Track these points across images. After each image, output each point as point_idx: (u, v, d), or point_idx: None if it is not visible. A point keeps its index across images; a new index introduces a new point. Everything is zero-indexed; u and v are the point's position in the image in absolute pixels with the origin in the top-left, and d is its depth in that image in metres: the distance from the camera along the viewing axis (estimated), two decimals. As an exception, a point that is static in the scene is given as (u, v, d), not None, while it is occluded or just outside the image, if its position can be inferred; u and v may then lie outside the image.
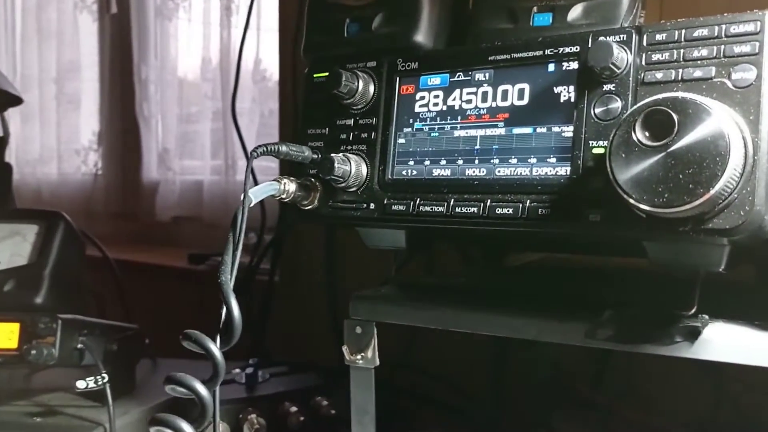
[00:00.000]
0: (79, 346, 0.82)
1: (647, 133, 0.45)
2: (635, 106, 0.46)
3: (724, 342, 0.51)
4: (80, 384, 0.78)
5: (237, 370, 0.97)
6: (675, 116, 0.44)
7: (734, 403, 0.86)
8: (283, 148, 0.60)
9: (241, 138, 1.39)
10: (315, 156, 0.62)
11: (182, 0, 1.89)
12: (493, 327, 0.60)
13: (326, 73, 0.61)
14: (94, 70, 2.11)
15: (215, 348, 0.48)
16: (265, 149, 0.59)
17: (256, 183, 0.60)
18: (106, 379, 0.80)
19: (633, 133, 0.45)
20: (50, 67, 2.19)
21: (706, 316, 0.52)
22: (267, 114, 1.73)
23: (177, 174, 1.90)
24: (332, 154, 0.60)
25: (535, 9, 0.58)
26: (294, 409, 0.87)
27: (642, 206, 0.45)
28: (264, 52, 1.71)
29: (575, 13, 0.56)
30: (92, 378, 0.79)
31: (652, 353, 0.53)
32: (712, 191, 0.43)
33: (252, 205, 0.56)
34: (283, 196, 0.60)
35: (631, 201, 0.46)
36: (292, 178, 0.62)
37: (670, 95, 0.45)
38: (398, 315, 0.65)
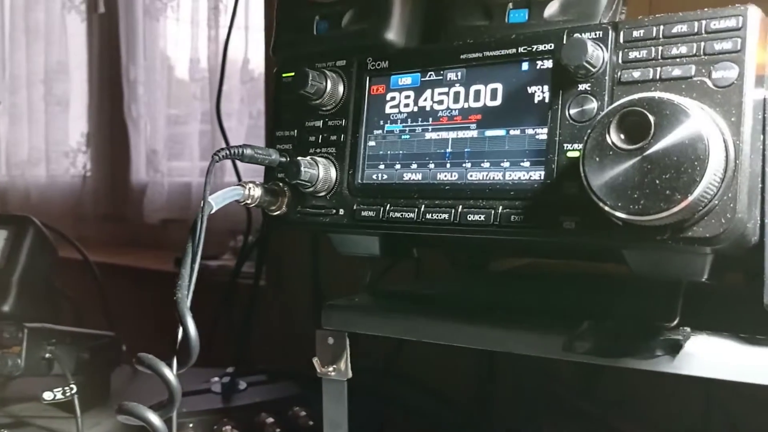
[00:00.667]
0: (47, 355, 0.79)
1: (622, 136, 0.42)
2: (610, 107, 0.44)
3: (707, 357, 0.48)
4: (47, 395, 0.76)
5: (215, 379, 0.94)
6: (651, 118, 0.41)
7: (725, 411, 0.83)
8: (248, 152, 0.57)
9: (225, 139, 1.36)
10: (283, 159, 0.60)
11: (170, 0, 1.86)
12: (467, 339, 0.57)
13: (293, 73, 0.58)
14: (82, 70, 2.09)
15: (170, 373, 0.46)
16: (228, 153, 0.56)
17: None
18: (75, 390, 0.77)
19: (607, 136, 0.43)
20: (38, 67, 2.17)
21: (688, 329, 0.50)
22: (256, 114, 1.70)
23: (165, 176, 1.88)
24: (299, 158, 0.57)
25: (510, 5, 0.55)
26: (270, 420, 0.84)
27: (617, 213, 0.42)
28: (252, 52, 1.68)
29: (552, 9, 0.54)
30: (60, 389, 0.77)
31: (631, 367, 0.50)
32: (691, 198, 0.40)
33: (213, 212, 0.53)
34: (248, 202, 0.58)
35: (606, 208, 0.43)
36: (258, 183, 0.59)
37: (647, 95, 0.42)
38: (371, 326, 0.63)
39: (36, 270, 0.89)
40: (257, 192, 0.58)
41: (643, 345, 0.50)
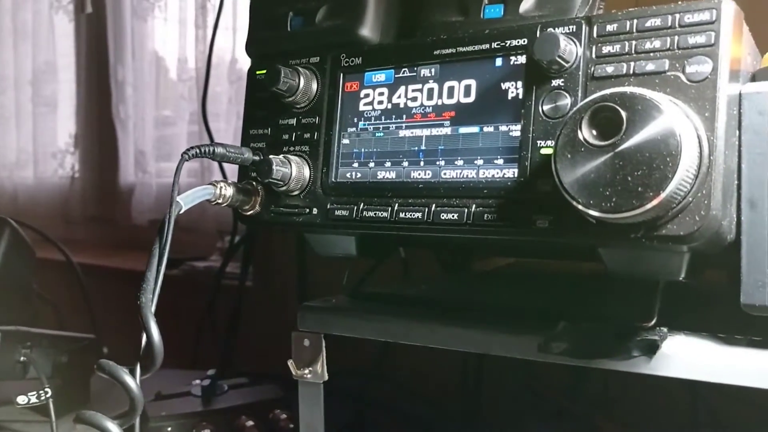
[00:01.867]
0: (22, 359, 0.78)
1: (594, 132, 0.41)
2: (581, 103, 0.43)
3: (684, 358, 0.47)
4: (21, 399, 0.74)
5: (196, 382, 0.93)
6: (623, 113, 0.40)
7: (710, 410, 0.82)
8: (219, 150, 0.56)
9: (211, 139, 1.35)
10: (256, 158, 0.59)
11: (157, 0, 1.85)
12: (445, 341, 0.56)
13: (265, 70, 0.57)
14: (70, 71, 2.07)
15: (131, 380, 0.44)
16: (198, 151, 0.55)
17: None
18: (49, 393, 0.76)
19: (579, 132, 0.42)
20: (26, 68, 2.15)
21: (665, 329, 0.49)
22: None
23: (154, 177, 1.86)
24: (271, 156, 0.56)
25: (486, 1, 0.54)
26: (250, 423, 0.83)
27: (589, 211, 0.41)
28: (240, 52, 1.67)
29: (527, 4, 0.53)
30: (35, 393, 0.75)
31: (608, 368, 0.49)
32: (663, 194, 0.39)
33: (182, 212, 0.52)
34: (220, 201, 0.57)
35: (578, 206, 0.42)
36: (230, 182, 0.58)
37: (618, 90, 0.41)
38: (347, 327, 0.62)
39: (12, 272, 0.88)
40: (229, 191, 0.57)
41: (620, 346, 0.49)
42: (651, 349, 0.48)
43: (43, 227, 1.19)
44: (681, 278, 0.47)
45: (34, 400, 0.75)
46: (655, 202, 0.39)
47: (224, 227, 1.51)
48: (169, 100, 1.88)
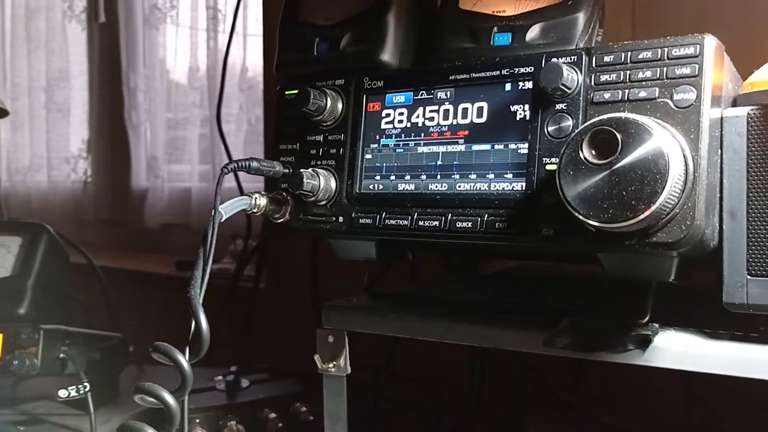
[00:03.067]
0: (62, 355, 0.83)
1: (593, 152, 0.47)
2: (582, 126, 0.48)
3: (673, 350, 0.53)
4: (62, 393, 0.80)
5: (219, 378, 0.99)
6: (618, 136, 0.46)
7: (706, 406, 0.88)
8: (254, 164, 0.62)
9: (225, 145, 1.41)
10: (286, 171, 0.64)
11: (170, 9, 1.91)
12: (457, 336, 0.62)
13: (296, 91, 0.63)
14: (83, 78, 2.13)
15: (183, 359, 0.50)
16: (236, 165, 0.61)
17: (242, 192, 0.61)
18: (88, 387, 0.81)
19: (580, 152, 0.48)
20: (39, 75, 2.21)
21: (657, 325, 0.55)
22: (254, 121, 1.74)
23: (165, 181, 1.92)
24: (302, 170, 0.62)
25: (495, 29, 0.60)
26: (273, 415, 0.89)
27: (589, 221, 0.47)
28: (250, 59, 1.73)
29: (533, 33, 0.58)
30: (74, 387, 0.81)
31: (606, 360, 0.55)
32: (654, 207, 0.45)
33: (223, 220, 0.58)
34: (255, 210, 0.62)
35: (580, 217, 0.48)
36: (263, 193, 0.64)
37: (614, 116, 0.47)
38: (368, 324, 0.67)
39: (49, 275, 0.93)
40: (263, 201, 0.63)
41: (617, 340, 0.55)
42: (644, 342, 0.54)
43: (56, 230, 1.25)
44: (671, 280, 0.53)
45: (74, 393, 0.81)
46: (646, 214, 0.45)
47: (235, 231, 1.57)
48: (180, 106, 1.94)
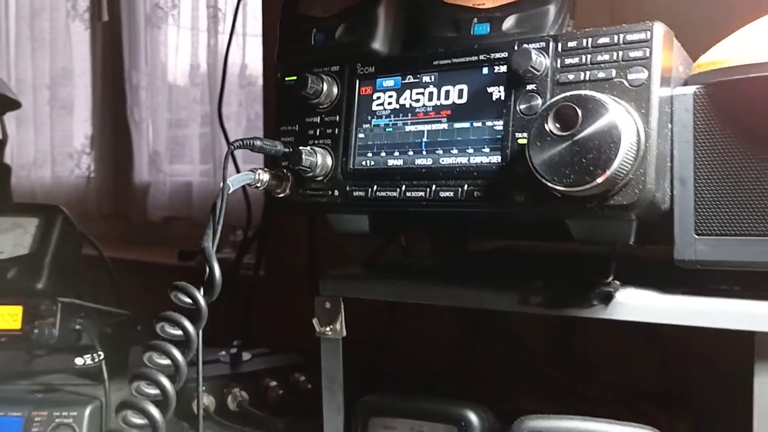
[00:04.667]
0: (77, 327, 0.90)
1: (557, 125, 0.54)
2: (548, 102, 0.55)
3: (633, 304, 0.60)
4: (78, 361, 0.87)
5: (223, 352, 1.05)
6: (579, 111, 0.53)
7: (680, 377, 0.94)
8: (258, 143, 0.69)
9: (227, 140, 1.47)
10: (287, 150, 0.71)
11: (171, 8, 1.97)
12: (441, 298, 0.69)
13: (295, 77, 0.70)
14: (86, 76, 2.19)
15: (200, 295, 0.57)
16: (241, 143, 0.67)
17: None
18: (102, 356, 0.88)
19: (546, 125, 0.54)
20: (44, 73, 2.27)
21: (618, 282, 0.61)
22: (253, 117, 1.80)
23: (167, 176, 1.98)
24: (301, 148, 0.68)
25: (475, 20, 0.67)
26: (274, 383, 0.95)
27: (554, 186, 0.54)
28: (249, 57, 1.79)
29: (509, 23, 0.65)
30: (89, 355, 0.88)
31: (574, 315, 0.62)
32: (609, 172, 0.52)
33: (230, 192, 0.64)
34: (258, 185, 0.69)
35: (546, 182, 0.54)
36: (266, 169, 0.70)
37: (575, 93, 0.54)
38: (362, 290, 0.74)
39: (64, 254, 1.00)
40: (265, 177, 0.69)
41: (583, 297, 0.61)
42: (607, 298, 0.61)
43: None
44: (631, 242, 0.60)
45: (89, 361, 0.87)
46: (603, 178, 0.52)
47: (236, 222, 1.63)
48: (182, 103, 2.00)
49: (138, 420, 0.56)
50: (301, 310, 0.86)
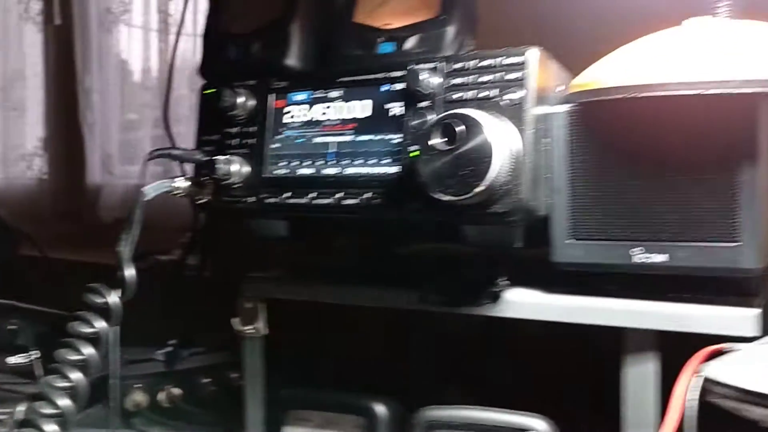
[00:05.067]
0: (12, 327, 0.93)
1: (442, 140, 0.59)
2: (433, 120, 0.60)
3: (519, 302, 0.65)
4: (10, 360, 0.89)
5: (160, 351, 1.08)
6: (459, 127, 0.58)
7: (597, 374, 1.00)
8: (175, 152, 0.73)
9: (173, 143, 1.49)
10: (206, 158, 0.75)
11: (123, 13, 1.99)
12: (352, 298, 0.74)
13: (213, 90, 0.74)
14: (38, 78, 2.19)
15: (112, 296, 0.61)
16: (159, 152, 0.71)
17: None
18: (38, 354, 0.91)
19: (432, 140, 0.59)
20: (-5, 75, 2.27)
21: (507, 282, 0.67)
22: (204, 121, 1.82)
23: (119, 178, 1.99)
24: (218, 156, 0.72)
25: (380, 39, 0.72)
26: (207, 380, 0.99)
27: (439, 197, 0.59)
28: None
29: (411, 43, 0.70)
30: (23, 355, 0.90)
31: (466, 313, 0.67)
32: (484, 184, 0.57)
33: (147, 199, 0.68)
34: (177, 192, 0.73)
35: (433, 193, 0.59)
36: (186, 177, 0.74)
37: (457, 111, 0.59)
38: (281, 292, 0.79)
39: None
40: (184, 184, 0.73)
41: (475, 296, 0.67)
42: (496, 297, 0.66)
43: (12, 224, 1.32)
44: (520, 246, 0.65)
45: (22, 360, 0.90)
46: (479, 189, 0.57)
47: (187, 225, 1.66)
48: (134, 106, 2.02)
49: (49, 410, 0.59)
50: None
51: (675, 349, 0.57)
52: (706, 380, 0.43)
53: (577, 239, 0.61)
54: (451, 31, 0.70)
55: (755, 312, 0.56)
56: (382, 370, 0.82)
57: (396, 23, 0.72)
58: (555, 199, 0.62)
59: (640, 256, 0.59)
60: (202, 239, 1.45)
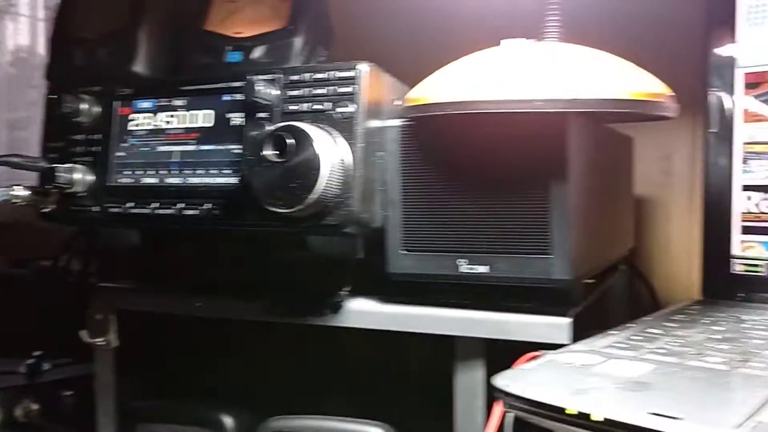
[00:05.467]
0: None
1: (273, 152, 0.59)
2: (266, 132, 0.60)
3: (357, 311, 0.66)
4: None
5: (23, 363, 1.04)
6: (289, 140, 0.58)
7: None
8: (16, 159, 0.70)
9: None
10: (50, 166, 0.73)
11: (8, 7, 1.90)
12: (197, 309, 0.73)
13: (56, 96, 0.72)
14: None
15: None
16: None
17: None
18: None
19: (264, 152, 0.59)
20: None
21: (347, 293, 0.68)
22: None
23: (4, 180, 1.91)
24: (59, 165, 0.70)
25: (229, 48, 0.71)
26: (69, 393, 0.96)
27: (271, 208, 0.59)
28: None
29: (258, 52, 0.70)
30: None
31: (309, 324, 0.68)
32: (311, 197, 0.57)
33: (-22, 208, 0.66)
34: (18, 201, 0.70)
35: (265, 205, 0.59)
36: (27, 186, 0.72)
37: (287, 124, 0.59)
38: (130, 302, 0.77)
39: None
40: (24, 193, 0.71)
41: (318, 307, 0.67)
42: (337, 308, 0.67)
43: None
44: (361, 256, 0.66)
45: None
46: (307, 202, 0.58)
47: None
48: (20, 104, 1.94)
49: None
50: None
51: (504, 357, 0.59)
52: (496, 390, 0.44)
53: (409, 251, 0.63)
54: (298, 42, 0.70)
55: (567, 321, 0.58)
56: (235, 381, 0.82)
57: (246, 32, 0.72)
58: (389, 212, 0.63)
59: (465, 267, 0.60)
60: (85, 242, 1.41)
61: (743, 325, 0.59)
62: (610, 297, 0.85)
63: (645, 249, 0.97)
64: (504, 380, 0.45)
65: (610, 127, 0.73)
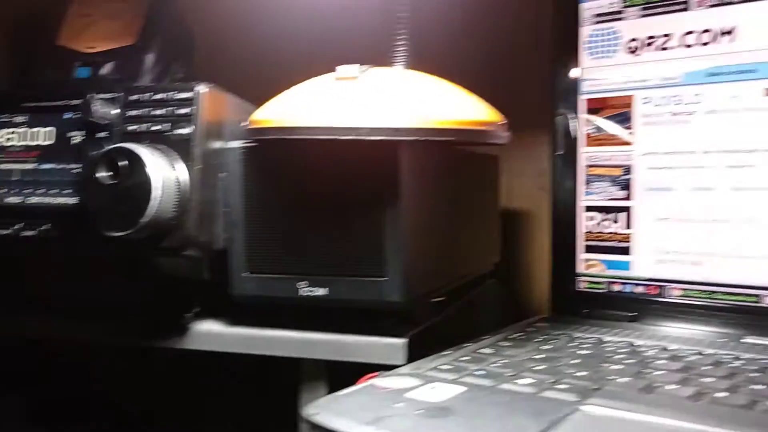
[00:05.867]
0: None
1: (106, 174, 0.58)
2: (99, 152, 0.59)
3: (203, 334, 0.66)
4: None
5: None
6: (121, 162, 0.57)
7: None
8: None
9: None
10: None
11: None
12: (45, 331, 0.71)
13: None
14: None
15: None
16: None
17: None
18: None
19: (97, 173, 0.58)
20: None
21: (192, 315, 0.67)
22: None
23: None
24: None
25: (78, 63, 0.69)
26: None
27: (104, 232, 0.58)
28: None
29: (107, 68, 0.69)
30: None
31: (155, 346, 0.66)
32: (144, 220, 0.56)
33: None
34: None
35: (99, 228, 0.58)
36: None
37: (119, 145, 0.58)
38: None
39: None
40: None
41: (167, 329, 0.66)
42: (184, 329, 0.66)
43: None
44: (206, 278, 0.65)
45: None
46: (140, 225, 0.57)
47: None
48: None
49: None
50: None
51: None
52: (302, 419, 0.45)
53: (252, 272, 0.63)
54: (149, 58, 0.69)
55: (402, 341, 0.59)
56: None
57: (99, 47, 0.71)
58: (233, 234, 0.63)
59: (305, 289, 0.61)
60: None
61: (570, 344, 0.61)
62: (477, 312, 0.86)
63: (520, 262, 1.00)
64: (315, 408, 0.45)
65: (463, 148, 0.74)
